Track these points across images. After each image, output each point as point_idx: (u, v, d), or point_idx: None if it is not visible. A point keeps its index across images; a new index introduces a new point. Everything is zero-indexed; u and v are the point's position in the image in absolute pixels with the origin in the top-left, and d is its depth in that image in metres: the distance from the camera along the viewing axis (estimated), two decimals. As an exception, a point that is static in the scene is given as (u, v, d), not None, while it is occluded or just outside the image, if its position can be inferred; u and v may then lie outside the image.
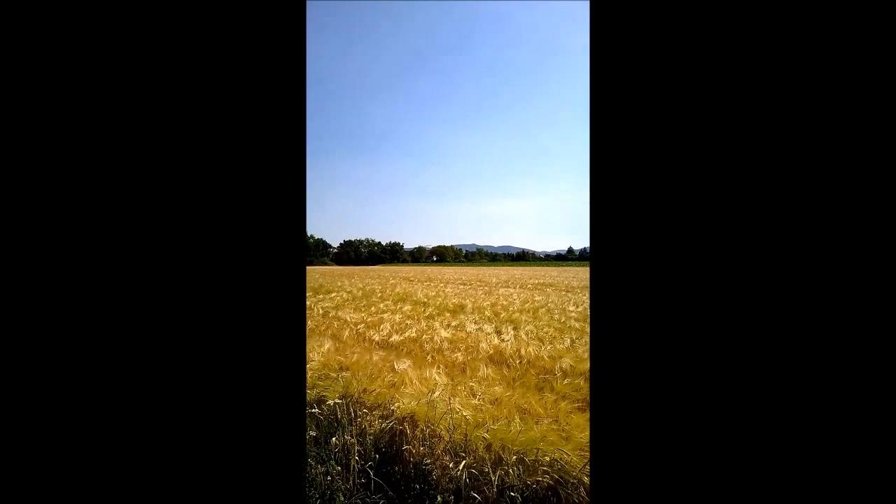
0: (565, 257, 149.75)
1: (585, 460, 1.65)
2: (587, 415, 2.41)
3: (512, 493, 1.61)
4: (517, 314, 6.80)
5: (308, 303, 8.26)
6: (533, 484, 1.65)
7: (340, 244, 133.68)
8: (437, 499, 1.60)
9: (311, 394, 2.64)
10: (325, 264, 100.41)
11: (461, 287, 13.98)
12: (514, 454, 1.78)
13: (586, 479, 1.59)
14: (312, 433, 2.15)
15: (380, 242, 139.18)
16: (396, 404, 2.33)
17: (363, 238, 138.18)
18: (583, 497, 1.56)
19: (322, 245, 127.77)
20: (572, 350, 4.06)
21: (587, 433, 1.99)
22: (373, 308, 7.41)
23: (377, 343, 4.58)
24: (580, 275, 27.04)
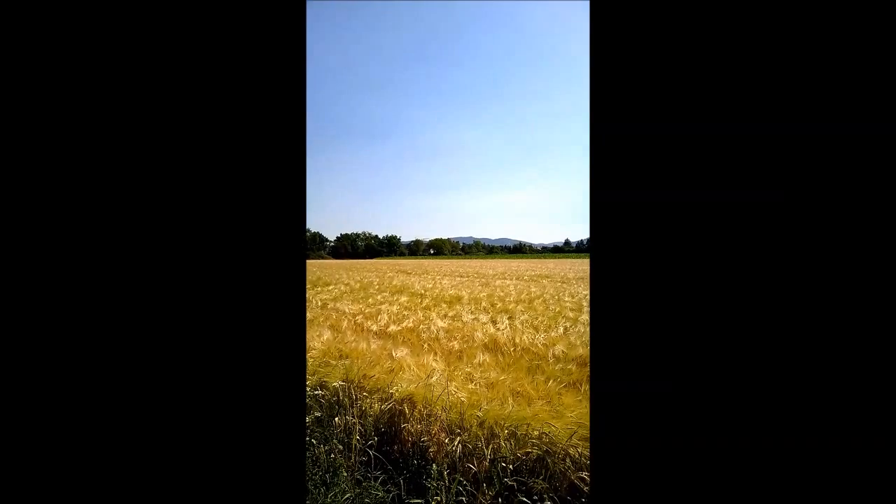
0: (562, 249, 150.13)
1: (571, 433, 1.77)
2: (577, 395, 2.54)
3: (503, 464, 1.73)
4: (513, 304, 6.92)
5: (307, 295, 8.36)
6: (523, 455, 1.78)
7: (337, 237, 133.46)
8: (433, 468, 1.72)
9: (312, 379, 2.75)
10: (322, 258, 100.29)
11: (458, 279, 14.10)
12: (505, 430, 1.90)
13: (572, 451, 1.71)
14: (317, 413, 2.26)
15: (377, 236, 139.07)
16: (395, 388, 2.44)
17: (360, 231, 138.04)
18: (568, 466, 1.68)
19: (319, 239, 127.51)
20: (565, 338, 4.18)
21: (576, 412, 2.11)
22: (370, 300, 7.51)
23: (375, 333, 4.69)
24: (576, 266, 27.24)
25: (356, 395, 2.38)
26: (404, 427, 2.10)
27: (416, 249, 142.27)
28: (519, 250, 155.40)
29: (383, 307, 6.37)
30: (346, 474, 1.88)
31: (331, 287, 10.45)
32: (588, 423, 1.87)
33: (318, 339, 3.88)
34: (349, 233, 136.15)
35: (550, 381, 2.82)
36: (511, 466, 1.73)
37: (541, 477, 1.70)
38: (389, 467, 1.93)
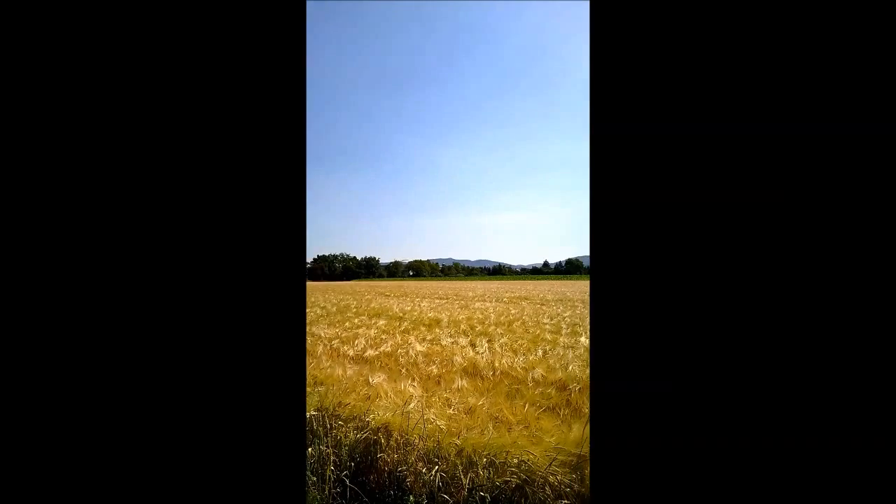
0: (541, 271, 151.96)
1: (550, 460, 1.75)
2: (556, 419, 2.52)
3: (482, 493, 1.69)
4: (492, 327, 6.91)
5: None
6: (501, 484, 1.74)
7: (314, 259, 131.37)
8: (410, 499, 1.66)
9: (285, 408, 2.65)
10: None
11: (437, 301, 14.02)
12: (484, 458, 1.86)
13: (551, 478, 1.69)
14: (287, 445, 2.17)
15: (355, 257, 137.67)
16: (371, 416, 2.37)
17: (338, 253, 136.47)
18: (547, 494, 1.65)
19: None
20: (544, 361, 4.19)
21: (556, 437, 2.09)
22: (347, 323, 7.37)
23: (352, 358, 4.58)
24: (555, 288, 27.56)
25: (331, 424, 2.30)
26: (380, 457, 2.04)
27: (396, 271, 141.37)
28: (498, 272, 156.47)
29: (360, 331, 6.26)
30: (318, 509, 1.80)
31: (306, 311, 10.22)
32: (569, 449, 1.86)
33: (292, 365, 3.77)
34: (326, 254, 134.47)
35: (529, 406, 2.81)
36: (489, 496, 1.69)
37: (520, 506, 1.67)
38: (365, 499, 1.86)
